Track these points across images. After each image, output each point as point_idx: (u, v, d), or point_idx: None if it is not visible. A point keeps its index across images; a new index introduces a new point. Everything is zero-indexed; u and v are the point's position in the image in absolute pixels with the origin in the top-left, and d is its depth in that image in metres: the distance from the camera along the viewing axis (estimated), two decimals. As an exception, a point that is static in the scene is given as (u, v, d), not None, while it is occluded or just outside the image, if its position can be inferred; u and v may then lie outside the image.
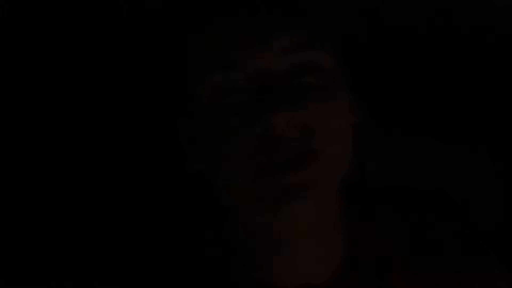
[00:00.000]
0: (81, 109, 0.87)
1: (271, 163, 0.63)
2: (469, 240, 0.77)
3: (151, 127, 0.87)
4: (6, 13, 0.85)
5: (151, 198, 0.88)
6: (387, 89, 0.88)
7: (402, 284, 0.72)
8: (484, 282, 0.74)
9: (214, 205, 0.74)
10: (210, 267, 0.72)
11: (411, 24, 0.89)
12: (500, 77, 0.90)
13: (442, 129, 0.90)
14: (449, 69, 0.90)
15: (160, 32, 0.72)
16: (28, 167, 0.87)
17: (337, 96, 0.66)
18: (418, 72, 0.90)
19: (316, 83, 0.65)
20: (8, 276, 0.85)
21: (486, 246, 0.78)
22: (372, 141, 0.75)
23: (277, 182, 0.63)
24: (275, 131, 0.62)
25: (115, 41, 0.86)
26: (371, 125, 0.68)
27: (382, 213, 0.77)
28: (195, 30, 0.67)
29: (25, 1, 0.85)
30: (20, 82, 0.86)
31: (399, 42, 0.89)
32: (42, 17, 0.85)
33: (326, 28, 0.68)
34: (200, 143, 0.68)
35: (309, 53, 0.65)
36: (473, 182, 0.89)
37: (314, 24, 0.66)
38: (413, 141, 0.90)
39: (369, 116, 0.73)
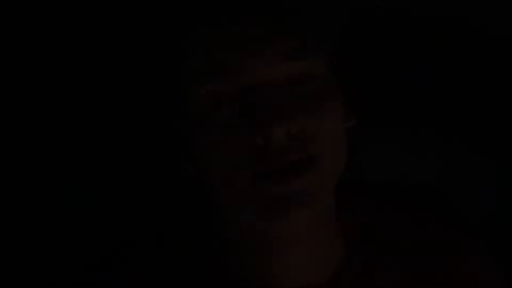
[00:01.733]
0: (74, 108, 0.87)
1: (268, 172, 0.63)
2: (464, 239, 0.78)
3: (148, 128, 0.87)
4: (6, 13, 0.85)
5: (147, 199, 0.87)
6: (380, 88, 0.88)
7: (396, 283, 0.72)
8: (479, 281, 0.75)
9: (209, 206, 0.74)
10: (206, 268, 0.72)
11: (407, 24, 0.89)
12: (493, 76, 0.90)
13: (437, 127, 0.90)
14: (442, 67, 0.90)
15: (156, 34, 0.72)
16: (26, 167, 0.87)
17: (332, 102, 0.66)
18: (411, 70, 0.90)
19: (311, 91, 0.65)
20: (7, 276, 0.86)
21: (480, 245, 0.78)
22: (365, 139, 0.75)
23: (274, 191, 0.63)
24: (274, 142, 0.62)
25: (112, 43, 0.86)
26: (365, 123, 0.68)
27: (376, 213, 0.78)
28: (191, 34, 0.66)
29: (25, 1, 0.85)
30: (19, 82, 0.86)
31: (391, 41, 0.90)
32: (42, 17, 0.86)
33: (321, 29, 0.68)
34: (193, 147, 0.67)
35: (305, 62, 0.65)
36: (467, 180, 0.90)
37: (309, 26, 0.66)
38: (407, 140, 0.90)
39: (363, 115, 0.73)
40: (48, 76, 0.86)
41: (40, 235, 0.86)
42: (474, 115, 0.91)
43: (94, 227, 0.87)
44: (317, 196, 0.64)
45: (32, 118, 0.87)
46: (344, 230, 0.73)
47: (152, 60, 0.73)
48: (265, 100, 0.63)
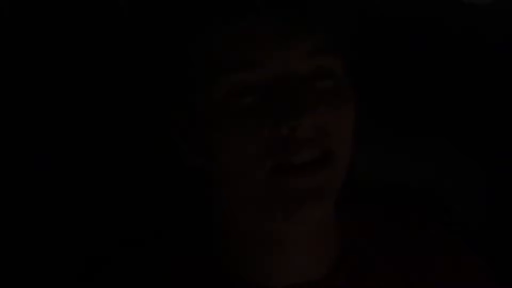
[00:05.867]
0: (72, 104, 0.87)
1: (286, 165, 0.63)
2: (454, 240, 0.79)
3: (144, 128, 0.87)
4: (6, 13, 0.85)
5: (146, 196, 0.88)
6: (375, 90, 0.89)
7: (389, 284, 0.73)
8: (468, 282, 0.76)
9: (207, 203, 0.74)
10: (202, 267, 0.72)
11: (405, 27, 0.90)
12: (489, 80, 0.91)
13: (430, 129, 0.91)
14: (437, 71, 0.91)
15: (165, 29, 0.71)
16: (25, 164, 0.87)
17: (348, 100, 0.67)
18: (407, 73, 0.91)
19: (331, 88, 0.66)
20: (5, 275, 0.86)
21: (470, 246, 0.79)
22: (359, 140, 0.75)
23: (291, 184, 0.63)
24: (299, 133, 0.62)
25: (113, 37, 0.86)
26: (359, 124, 0.69)
27: (370, 213, 0.78)
28: (216, 24, 0.65)
29: (25, 1, 0.85)
30: (20, 82, 0.87)
31: (390, 44, 0.90)
32: (42, 17, 0.86)
33: (334, 31, 0.68)
34: (203, 140, 0.67)
35: (325, 58, 0.66)
36: (460, 181, 0.90)
37: (327, 27, 0.67)
38: (401, 141, 0.91)
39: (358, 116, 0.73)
40: (53, 74, 0.87)
41: (38, 234, 0.87)
42: (467, 117, 0.91)
43: (93, 225, 0.87)
44: (331, 194, 0.65)
45: (33, 113, 0.87)
46: (338, 230, 0.74)
47: (159, 52, 0.72)
48: (291, 92, 0.63)
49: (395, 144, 0.91)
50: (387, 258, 0.74)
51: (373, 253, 0.74)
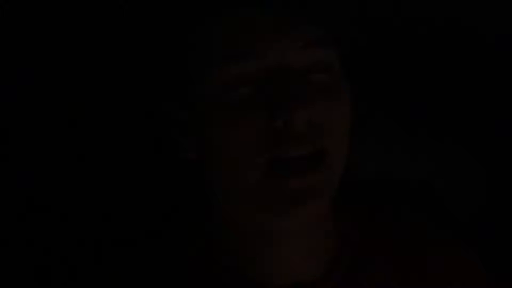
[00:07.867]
0: (69, 103, 0.87)
1: (283, 162, 0.63)
2: (453, 240, 0.79)
3: (143, 127, 0.87)
4: (6, 13, 0.85)
5: (141, 196, 0.88)
6: (373, 86, 0.89)
7: (386, 282, 0.73)
8: (466, 281, 0.76)
9: (203, 203, 0.74)
10: (202, 266, 0.72)
11: (403, 25, 0.90)
12: (488, 79, 0.91)
13: (428, 126, 0.91)
14: (439, 71, 0.91)
15: (163, 23, 0.71)
16: (24, 163, 0.87)
17: (344, 96, 0.67)
18: (407, 72, 0.91)
19: (328, 82, 0.65)
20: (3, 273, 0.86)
21: (469, 245, 0.79)
22: (357, 136, 0.76)
23: (292, 183, 0.63)
24: (295, 127, 0.62)
25: (111, 33, 0.86)
26: (358, 120, 0.69)
27: (368, 212, 0.78)
28: (212, 16, 0.65)
29: (25, 1, 0.86)
30: (19, 82, 0.87)
31: (387, 40, 0.90)
32: (42, 17, 0.86)
33: (334, 25, 0.68)
34: (202, 134, 0.67)
35: (323, 51, 0.65)
36: (457, 178, 0.91)
37: (325, 22, 0.67)
38: (399, 138, 0.91)
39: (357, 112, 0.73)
40: (51, 69, 0.87)
41: (35, 233, 0.87)
42: (467, 117, 0.92)
43: (92, 224, 0.87)
44: (329, 191, 0.65)
45: (31, 111, 0.87)
46: (337, 229, 0.74)
47: (158, 46, 0.72)
48: (288, 85, 0.63)
49: (395, 144, 0.91)
50: (387, 258, 0.74)
51: (372, 253, 0.74)
